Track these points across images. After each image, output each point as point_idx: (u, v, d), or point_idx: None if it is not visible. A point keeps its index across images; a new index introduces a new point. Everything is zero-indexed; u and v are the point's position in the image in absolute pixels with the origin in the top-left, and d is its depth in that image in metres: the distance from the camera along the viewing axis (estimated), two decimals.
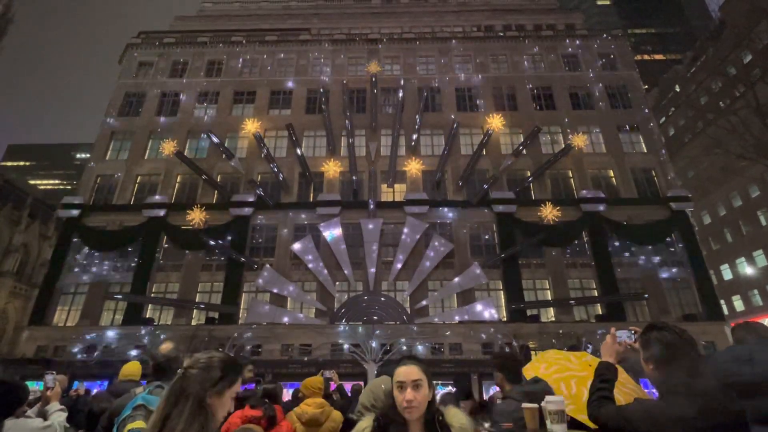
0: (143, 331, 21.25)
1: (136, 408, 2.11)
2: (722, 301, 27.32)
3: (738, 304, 36.39)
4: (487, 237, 24.36)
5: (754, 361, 1.84)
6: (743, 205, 36.35)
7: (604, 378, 2.02)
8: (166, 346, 2.57)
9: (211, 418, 1.48)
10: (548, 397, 2.07)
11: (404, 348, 20.79)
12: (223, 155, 26.25)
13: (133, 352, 20.14)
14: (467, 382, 5.05)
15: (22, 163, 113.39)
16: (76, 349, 20.92)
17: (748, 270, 35.07)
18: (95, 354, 20.71)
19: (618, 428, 1.77)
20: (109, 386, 4.87)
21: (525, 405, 2.35)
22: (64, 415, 3.13)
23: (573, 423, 2.13)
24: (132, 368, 4.14)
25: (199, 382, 1.52)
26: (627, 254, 23.59)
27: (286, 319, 21.86)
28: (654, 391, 1.96)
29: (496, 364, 3.01)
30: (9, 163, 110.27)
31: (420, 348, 20.89)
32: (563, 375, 2.54)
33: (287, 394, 14.49)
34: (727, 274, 37.77)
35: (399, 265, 22.97)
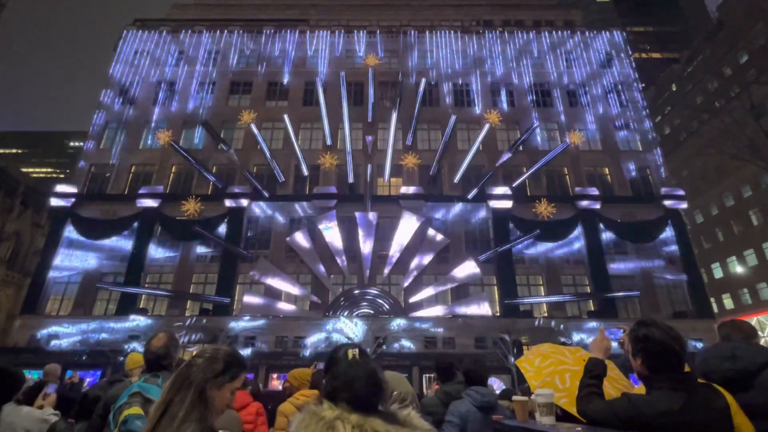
0: (136, 322, 21.19)
1: (133, 395, 2.13)
2: (712, 300, 27.69)
3: (728, 302, 36.87)
4: (482, 232, 24.46)
5: (736, 357, 1.90)
6: (735, 205, 36.70)
7: (594, 374, 2.06)
8: (156, 341, 2.58)
9: (211, 409, 1.51)
10: (538, 390, 2.12)
11: (398, 343, 20.93)
12: (219, 146, 26.09)
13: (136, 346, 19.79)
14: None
15: (14, 151, 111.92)
16: (68, 339, 20.84)
17: (738, 269, 35.50)
18: (88, 343, 20.63)
19: (607, 422, 1.81)
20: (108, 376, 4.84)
21: (515, 398, 2.41)
22: (56, 419, 3.14)
23: (567, 416, 2.18)
24: (138, 358, 4.15)
25: (202, 371, 1.55)
26: (620, 251, 23.80)
27: (280, 311, 21.91)
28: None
29: (435, 366, 3.77)
30: (0, 150, 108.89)
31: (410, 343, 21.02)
32: (558, 369, 2.58)
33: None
34: (717, 272, 38.23)
35: (394, 259, 23.04)
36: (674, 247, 23.70)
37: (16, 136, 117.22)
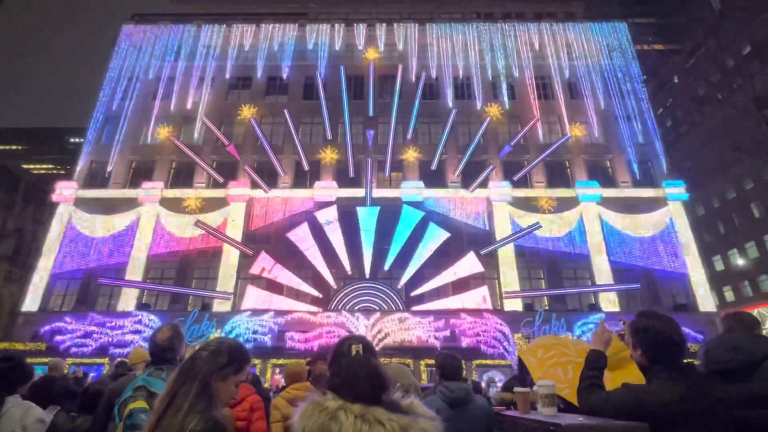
0: (139, 317, 21.31)
1: (137, 389, 2.14)
2: (713, 292, 27.69)
3: (729, 294, 36.93)
4: (483, 226, 24.43)
5: (739, 349, 1.91)
6: (737, 198, 36.62)
7: (594, 366, 2.07)
8: (161, 334, 2.59)
9: (216, 401, 1.53)
10: (540, 382, 2.13)
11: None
12: (218, 141, 26.05)
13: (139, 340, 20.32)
14: None
15: (14, 147, 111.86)
16: (71, 334, 20.96)
17: (739, 261, 35.51)
18: (90, 339, 20.77)
19: (608, 413, 1.82)
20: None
21: (517, 389, 2.42)
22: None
23: (569, 407, 2.19)
24: (142, 352, 4.19)
25: (206, 364, 1.58)
26: (621, 244, 23.80)
27: (281, 306, 21.98)
28: None
29: (436, 364, 3.50)
30: (1, 147, 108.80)
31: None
32: (560, 360, 2.60)
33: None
34: (719, 264, 38.24)
35: (395, 254, 23.06)
36: (675, 240, 23.69)
37: (17, 133, 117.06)
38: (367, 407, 1.26)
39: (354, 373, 1.38)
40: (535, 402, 2.21)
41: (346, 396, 1.31)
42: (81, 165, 25.91)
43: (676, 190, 24.68)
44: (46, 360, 15.54)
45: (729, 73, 36.53)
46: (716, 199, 38.94)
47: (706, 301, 22.39)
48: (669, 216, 24.11)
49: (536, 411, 2.21)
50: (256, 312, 21.62)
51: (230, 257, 23.28)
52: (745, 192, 35.76)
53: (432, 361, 19.25)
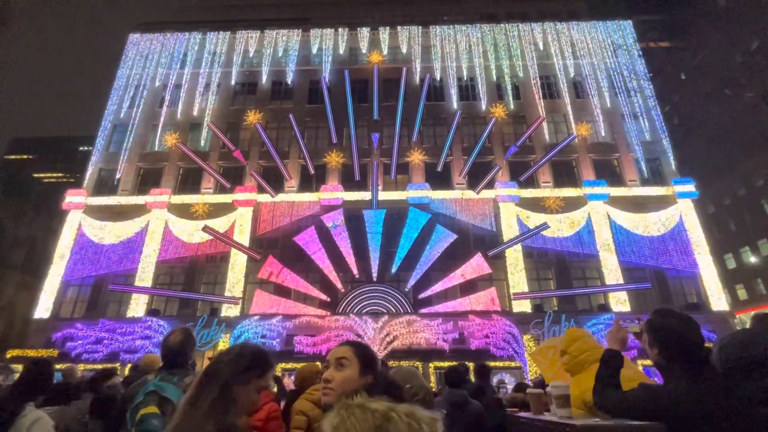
0: (149, 322, 21.47)
1: (149, 394, 2.15)
2: (726, 291, 27.31)
3: (742, 293, 36.38)
4: (490, 227, 24.33)
5: (753, 344, 1.87)
6: (747, 194, 36.12)
7: (610, 365, 2.05)
8: (173, 337, 2.60)
9: (235, 406, 1.52)
10: (553, 383, 2.11)
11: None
12: (224, 147, 26.24)
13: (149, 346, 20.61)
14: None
15: (25, 156, 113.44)
16: (83, 340, 21.17)
17: (752, 259, 35.00)
18: (101, 345, 20.96)
19: (624, 413, 1.80)
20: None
21: (530, 390, 2.40)
22: None
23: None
24: (154, 358, 4.22)
25: (228, 367, 1.58)
26: (630, 243, 23.57)
27: (289, 310, 22.03)
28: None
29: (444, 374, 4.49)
30: (13, 156, 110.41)
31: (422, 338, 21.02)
32: None
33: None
34: (730, 263, 37.70)
35: (402, 256, 23.03)
36: (686, 238, 23.41)
37: (27, 142, 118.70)
38: (410, 407, 1.23)
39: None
40: (549, 403, 2.19)
41: (381, 395, 1.30)
42: (90, 173, 26.23)
43: (686, 187, 24.40)
44: (58, 366, 15.75)
45: (737, 68, 36.11)
46: (726, 196, 38.42)
47: (718, 300, 22.05)
48: (679, 214, 23.84)
49: (549, 412, 2.18)
50: (264, 316, 21.69)
51: (238, 262, 23.40)
52: (756, 188, 35.25)
53: (441, 364, 19.22)
